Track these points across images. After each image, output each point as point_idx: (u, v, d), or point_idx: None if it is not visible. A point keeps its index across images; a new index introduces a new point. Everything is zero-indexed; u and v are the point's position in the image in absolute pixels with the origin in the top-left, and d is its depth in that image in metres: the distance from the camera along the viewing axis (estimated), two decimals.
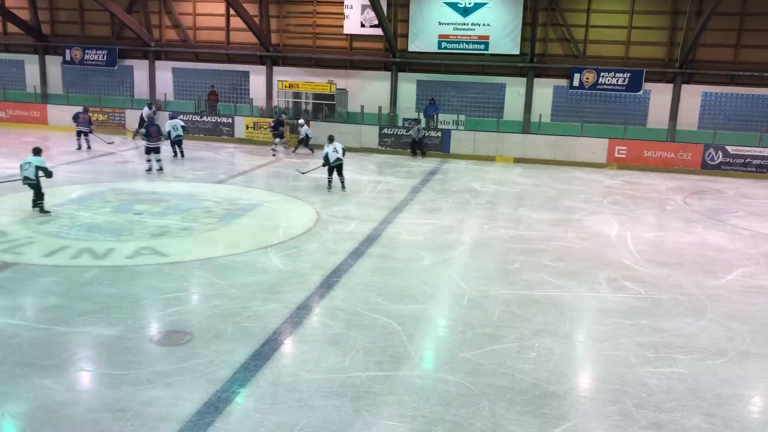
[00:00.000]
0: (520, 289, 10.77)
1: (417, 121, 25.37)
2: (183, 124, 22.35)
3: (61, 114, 27.52)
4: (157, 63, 29.10)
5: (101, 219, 13.97)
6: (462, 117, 26.10)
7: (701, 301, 10.58)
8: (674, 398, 7.38)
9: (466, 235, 13.97)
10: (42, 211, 14.04)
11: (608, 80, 24.86)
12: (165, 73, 29.15)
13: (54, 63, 30.05)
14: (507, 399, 7.21)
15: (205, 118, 26.93)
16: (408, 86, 27.03)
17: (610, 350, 8.64)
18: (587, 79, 25.03)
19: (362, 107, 26.39)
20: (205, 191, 17.25)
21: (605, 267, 12.10)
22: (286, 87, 27.24)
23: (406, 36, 26.63)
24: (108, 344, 8.20)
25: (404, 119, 26.52)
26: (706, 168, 23.08)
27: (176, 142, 21.76)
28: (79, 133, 22.76)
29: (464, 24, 25.91)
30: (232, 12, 26.77)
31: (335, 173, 17.56)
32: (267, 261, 11.77)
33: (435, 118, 26.01)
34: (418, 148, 24.46)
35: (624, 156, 23.70)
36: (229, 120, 26.66)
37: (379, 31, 26.00)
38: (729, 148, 22.95)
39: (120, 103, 28.51)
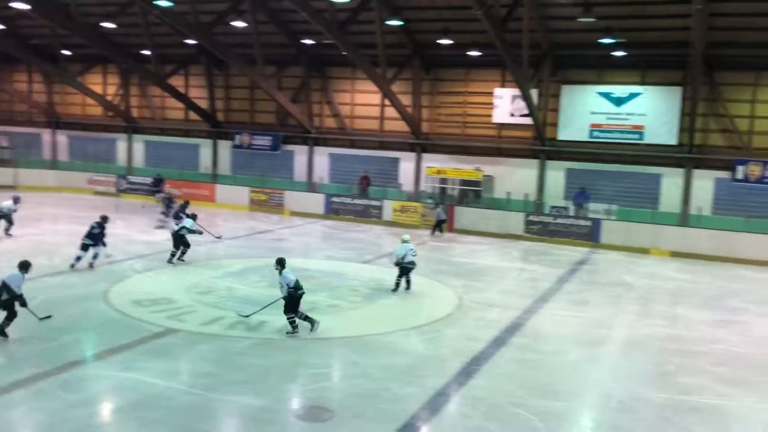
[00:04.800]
0: (677, 393, 9.97)
1: (437, 204, 25.45)
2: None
3: (228, 193, 30.07)
4: (316, 148, 31.00)
5: (256, 292, 14.77)
6: (614, 206, 25.25)
7: None
8: None
9: (616, 332, 13.26)
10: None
11: None
12: (322, 157, 30.95)
13: (224, 147, 32.92)
14: None
15: (356, 201, 28.12)
16: (556, 174, 26.73)
17: None
18: (753, 171, 23.44)
19: (508, 194, 26.36)
20: (352, 270, 17.80)
21: None
22: (434, 173, 27.93)
23: (555, 125, 26.59)
24: (254, 415, 8.54)
25: (552, 207, 26.11)
26: None
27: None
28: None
29: (618, 114, 25.45)
30: (386, 102, 28.16)
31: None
32: (408, 343, 11.83)
33: (585, 206, 25.39)
34: (438, 227, 24.53)
35: None
36: (379, 203, 27.62)
37: (528, 120, 26.17)
38: None
39: (280, 184, 30.49)
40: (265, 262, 18.12)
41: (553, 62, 25.82)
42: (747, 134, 24.14)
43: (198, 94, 32.70)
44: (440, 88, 28.58)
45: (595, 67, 25.69)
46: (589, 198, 25.52)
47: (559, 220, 24.82)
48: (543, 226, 24.92)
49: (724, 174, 24.20)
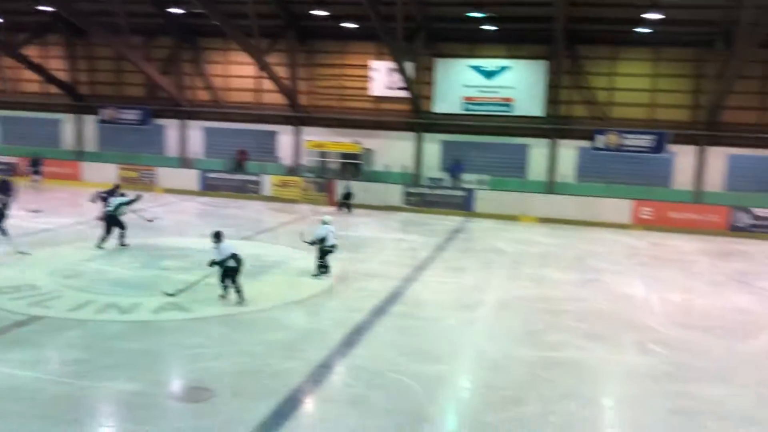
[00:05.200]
0: (544, 350, 10.62)
1: (347, 179, 25.69)
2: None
3: (95, 170, 28.30)
4: (189, 122, 29.88)
5: (128, 274, 14.17)
6: (486, 176, 26.27)
7: (730, 366, 10.33)
8: None
9: (490, 295, 13.88)
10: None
11: (632, 142, 24.90)
12: (196, 132, 29.89)
13: (89, 122, 31.01)
14: None
15: (233, 176, 27.48)
16: (432, 146, 27.35)
17: (637, 416, 8.43)
18: (611, 140, 25.11)
19: (386, 166, 26.71)
20: None
21: (631, 329, 11.90)
22: (313, 146, 27.78)
23: (430, 98, 27.12)
24: (129, 400, 8.22)
25: (429, 178, 26.78)
26: (733, 230, 22.79)
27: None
28: None
29: (489, 86, 26.33)
30: (262, 74, 27.54)
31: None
32: (289, 318, 11.80)
33: (459, 177, 26.22)
34: (346, 203, 24.52)
35: (649, 217, 23.52)
36: (257, 178, 27.14)
37: (404, 93, 26.52)
38: (756, 211, 22.71)
39: (151, 161, 29.20)
40: (138, 242, 17.39)
41: (426, 35, 26.22)
42: (606, 105, 25.76)
43: (57, 66, 30.50)
44: (317, 60, 28.30)
45: (467, 40, 26.36)
46: (463, 169, 26.37)
47: (436, 191, 25.56)
48: (421, 197, 25.53)
49: (586, 143, 25.73)
